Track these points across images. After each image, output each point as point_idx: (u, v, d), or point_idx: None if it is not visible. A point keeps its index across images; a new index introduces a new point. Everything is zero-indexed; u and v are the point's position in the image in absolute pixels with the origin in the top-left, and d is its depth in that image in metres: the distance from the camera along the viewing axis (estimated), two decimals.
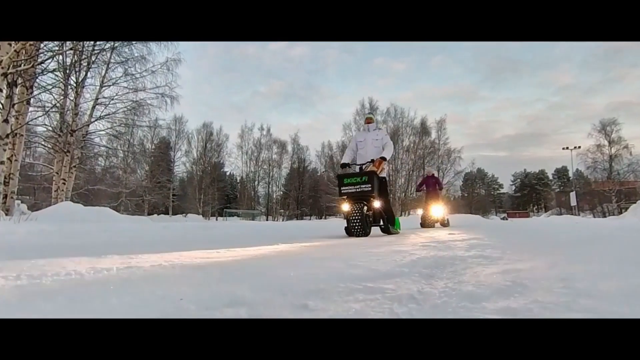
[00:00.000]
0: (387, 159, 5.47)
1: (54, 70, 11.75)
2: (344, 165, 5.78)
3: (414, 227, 9.13)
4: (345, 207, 5.21)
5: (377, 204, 5.21)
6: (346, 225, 5.11)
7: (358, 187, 5.11)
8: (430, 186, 10.47)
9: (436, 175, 11.81)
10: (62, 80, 12.68)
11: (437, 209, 9.96)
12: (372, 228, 5.36)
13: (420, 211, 11.50)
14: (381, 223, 5.35)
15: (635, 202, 12.85)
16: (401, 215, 38.02)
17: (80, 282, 1.34)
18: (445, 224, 9.92)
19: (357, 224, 4.81)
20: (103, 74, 13.84)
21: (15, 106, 8.99)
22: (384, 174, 5.49)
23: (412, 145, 42.17)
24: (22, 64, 8.55)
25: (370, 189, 5.05)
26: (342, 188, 5.24)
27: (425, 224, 9.84)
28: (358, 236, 4.76)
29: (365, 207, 4.97)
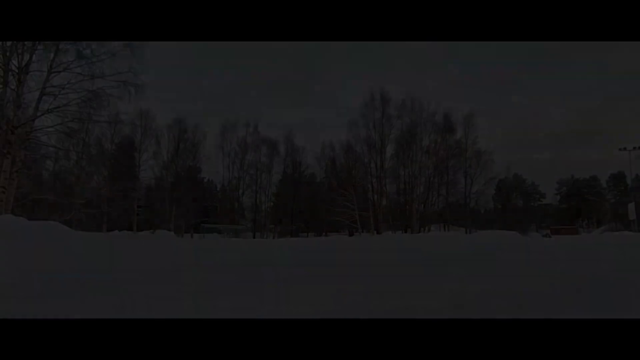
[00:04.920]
0: None
1: None
2: None
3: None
4: None
5: None
6: None
7: None
8: None
9: None
10: (0, 64, 12.70)
11: None
12: None
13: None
14: None
15: None
16: (420, 231, 37.98)
17: None
18: None
19: None
20: (52, 57, 13.88)
21: None
22: None
23: (433, 145, 42.32)
24: None
25: None
26: None
27: None
28: None
29: None
